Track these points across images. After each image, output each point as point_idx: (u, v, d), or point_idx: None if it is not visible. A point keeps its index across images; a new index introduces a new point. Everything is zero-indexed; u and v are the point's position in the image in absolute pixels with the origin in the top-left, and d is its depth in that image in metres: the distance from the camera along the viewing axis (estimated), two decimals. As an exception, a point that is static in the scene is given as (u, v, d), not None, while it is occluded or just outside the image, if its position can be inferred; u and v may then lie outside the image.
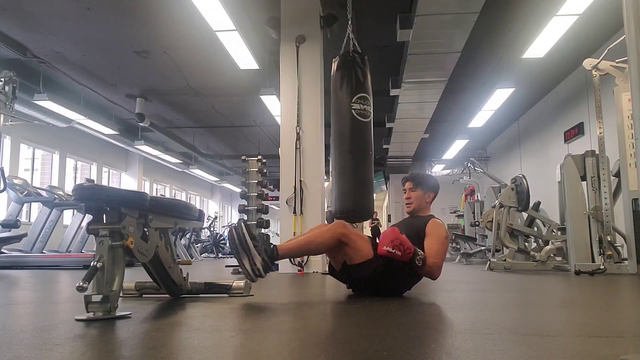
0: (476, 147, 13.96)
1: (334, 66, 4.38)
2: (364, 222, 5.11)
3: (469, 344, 1.36)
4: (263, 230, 5.49)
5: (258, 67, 7.07)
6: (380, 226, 2.79)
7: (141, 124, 9.96)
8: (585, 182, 5.26)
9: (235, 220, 18.83)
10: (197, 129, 12.12)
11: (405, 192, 2.85)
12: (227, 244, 2.55)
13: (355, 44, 4.49)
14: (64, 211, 7.44)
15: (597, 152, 5.22)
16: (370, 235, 2.57)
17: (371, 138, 4.31)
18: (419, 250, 2.35)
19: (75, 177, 12.16)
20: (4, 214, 7.49)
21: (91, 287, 1.72)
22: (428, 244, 2.51)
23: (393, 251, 2.25)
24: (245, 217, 5.47)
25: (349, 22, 4.64)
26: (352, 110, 4.17)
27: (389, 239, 2.28)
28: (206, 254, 13.96)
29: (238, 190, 10.96)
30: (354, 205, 4.03)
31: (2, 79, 5.29)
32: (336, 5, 5.70)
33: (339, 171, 4.24)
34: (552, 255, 5.67)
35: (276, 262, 2.38)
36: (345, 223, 2.55)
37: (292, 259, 5.15)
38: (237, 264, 5.52)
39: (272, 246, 2.37)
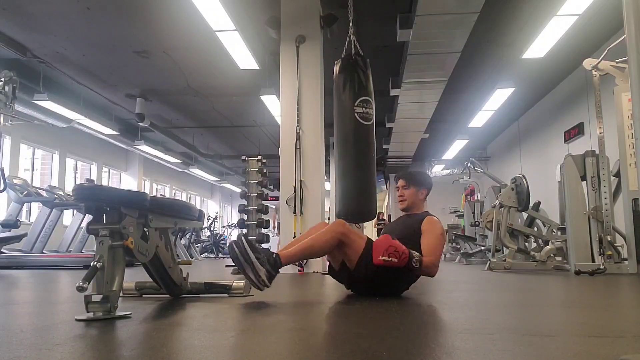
0: (476, 147, 13.96)
1: (336, 69, 4.39)
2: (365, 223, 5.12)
3: (469, 344, 1.36)
4: (263, 230, 5.49)
5: (258, 67, 7.07)
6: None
7: (141, 124, 9.96)
8: (585, 182, 5.26)
9: (235, 220, 18.82)
10: (197, 129, 12.12)
11: (398, 190, 2.87)
12: (229, 257, 2.53)
13: (357, 46, 4.50)
14: (64, 211, 7.44)
15: (597, 152, 5.22)
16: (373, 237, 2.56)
17: (373, 141, 4.34)
18: (413, 252, 2.34)
19: (75, 177, 12.16)
20: (4, 214, 7.49)
21: (91, 287, 1.72)
22: (424, 242, 2.51)
23: (390, 259, 2.24)
24: (244, 229, 5.45)
25: (350, 24, 4.64)
26: (355, 114, 4.20)
27: (383, 248, 2.26)
28: (206, 254, 13.96)
29: (238, 190, 10.96)
30: (356, 207, 4.06)
31: (2, 79, 5.29)
32: (336, 5, 5.70)
33: (342, 173, 4.27)
34: (552, 255, 5.66)
35: (279, 270, 2.34)
36: (344, 222, 2.54)
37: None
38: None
39: (274, 255, 2.32)
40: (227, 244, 2.40)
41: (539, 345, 1.35)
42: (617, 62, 5.07)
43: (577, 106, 8.48)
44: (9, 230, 6.18)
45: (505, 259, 5.80)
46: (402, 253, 2.27)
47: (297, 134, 5.48)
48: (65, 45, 7.30)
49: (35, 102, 8.03)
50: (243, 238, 2.31)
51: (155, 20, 6.52)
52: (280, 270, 2.34)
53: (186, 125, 11.72)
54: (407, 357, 1.17)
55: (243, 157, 5.70)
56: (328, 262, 2.72)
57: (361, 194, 4.16)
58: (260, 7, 6.08)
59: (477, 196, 11.71)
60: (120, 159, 13.82)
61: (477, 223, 9.45)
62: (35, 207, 9.48)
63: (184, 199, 17.09)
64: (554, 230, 6.46)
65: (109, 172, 13.63)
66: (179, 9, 6.06)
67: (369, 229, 15.04)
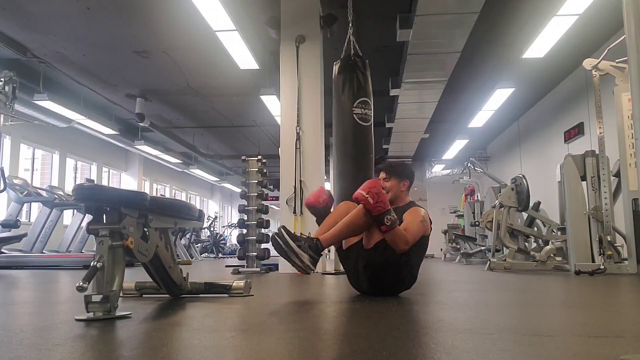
0: (476, 147, 13.96)
1: (335, 70, 4.40)
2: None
3: (469, 344, 1.36)
4: (263, 230, 5.49)
5: (258, 67, 7.07)
6: None
7: (141, 124, 9.96)
8: (585, 182, 5.26)
9: (235, 220, 18.82)
10: (197, 129, 12.12)
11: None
12: (273, 248, 2.56)
13: (356, 47, 4.51)
14: (64, 211, 7.44)
15: (597, 152, 5.22)
16: None
17: (372, 142, 4.35)
18: (393, 212, 2.35)
19: (75, 177, 12.16)
20: (4, 214, 7.49)
21: (91, 287, 1.72)
22: (403, 223, 2.51)
23: (366, 196, 2.29)
24: (244, 229, 5.46)
25: (350, 25, 4.64)
26: (354, 115, 4.21)
27: (368, 186, 2.32)
28: (206, 254, 13.97)
29: (238, 190, 10.96)
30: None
31: (2, 79, 5.29)
32: (336, 5, 5.70)
33: (341, 174, 4.28)
34: (552, 255, 5.66)
35: (322, 253, 2.46)
36: None
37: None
38: (239, 265, 5.53)
39: (315, 241, 2.42)
40: (271, 237, 2.47)
41: (539, 345, 1.35)
42: (617, 62, 5.06)
43: (577, 106, 8.49)
44: (9, 230, 6.18)
45: (505, 259, 5.80)
46: (381, 202, 2.30)
47: (297, 134, 5.48)
48: (65, 45, 7.30)
49: (35, 102, 8.03)
50: (283, 230, 2.40)
51: (155, 20, 6.52)
52: (322, 253, 2.46)
53: (186, 125, 11.72)
54: (407, 357, 1.17)
55: (243, 157, 5.70)
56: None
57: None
58: (260, 7, 6.08)
59: (477, 196, 11.72)
60: (120, 159, 13.82)
61: (477, 223, 9.45)
62: (35, 207, 9.48)
63: (184, 199, 17.10)
64: (554, 230, 6.46)
65: (109, 172, 13.63)
66: (179, 9, 6.06)
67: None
